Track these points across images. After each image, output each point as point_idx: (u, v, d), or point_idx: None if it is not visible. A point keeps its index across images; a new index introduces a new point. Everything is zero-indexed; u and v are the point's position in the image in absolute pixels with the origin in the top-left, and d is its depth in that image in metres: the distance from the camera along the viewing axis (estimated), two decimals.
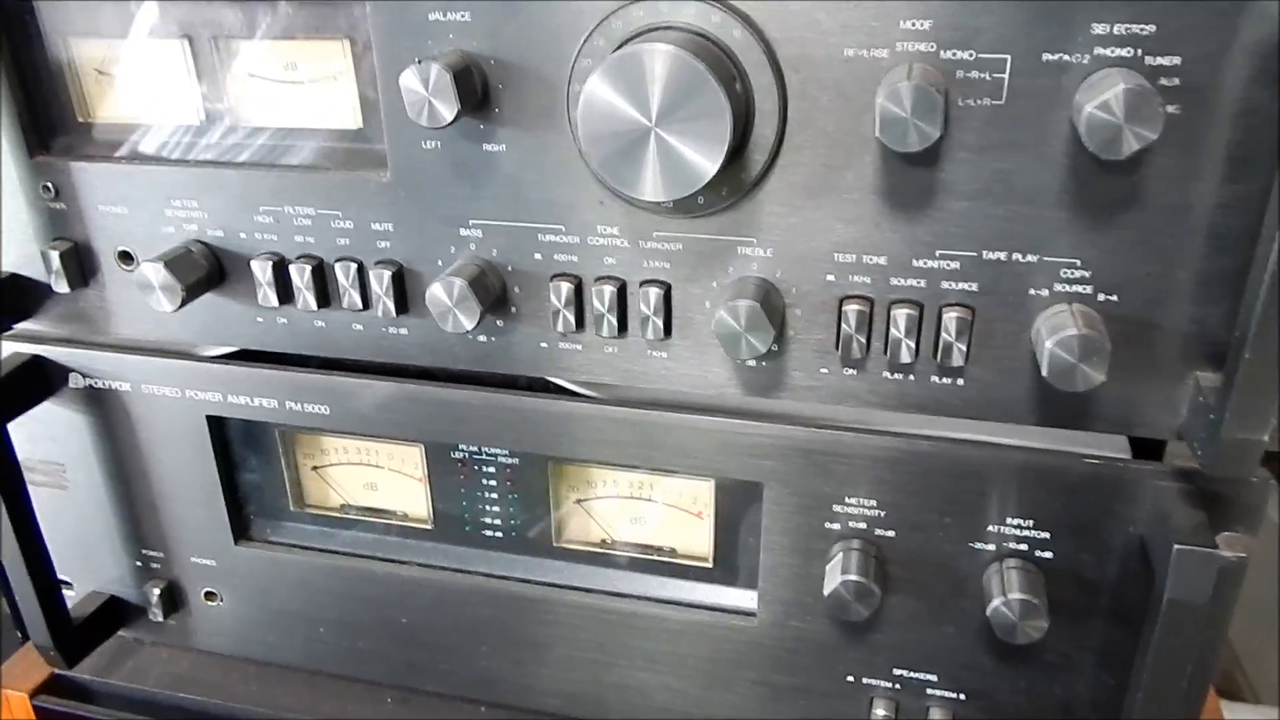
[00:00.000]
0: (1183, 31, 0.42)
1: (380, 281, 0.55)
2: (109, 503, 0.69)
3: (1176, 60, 0.42)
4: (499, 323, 0.56)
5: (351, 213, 0.55)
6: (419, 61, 0.47)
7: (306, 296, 0.56)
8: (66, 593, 0.72)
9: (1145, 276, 0.46)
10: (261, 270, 0.57)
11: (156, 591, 0.71)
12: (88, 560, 0.72)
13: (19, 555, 0.65)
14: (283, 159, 0.56)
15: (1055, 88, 0.44)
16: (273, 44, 0.54)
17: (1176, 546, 0.44)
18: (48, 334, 0.65)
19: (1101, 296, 0.47)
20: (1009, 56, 0.44)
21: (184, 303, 0.56)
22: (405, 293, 0.56)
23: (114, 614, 0.74)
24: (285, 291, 0.57)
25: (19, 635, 0.83)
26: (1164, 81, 0.42)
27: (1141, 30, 0.42)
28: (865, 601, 0.53)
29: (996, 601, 0.51)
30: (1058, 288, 0.47)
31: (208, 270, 0.57)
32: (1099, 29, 0.42)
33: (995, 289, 0.48)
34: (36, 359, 0.65)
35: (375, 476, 0.67)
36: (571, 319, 0.53)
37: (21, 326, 0.64)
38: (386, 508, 0.68)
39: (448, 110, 0.47)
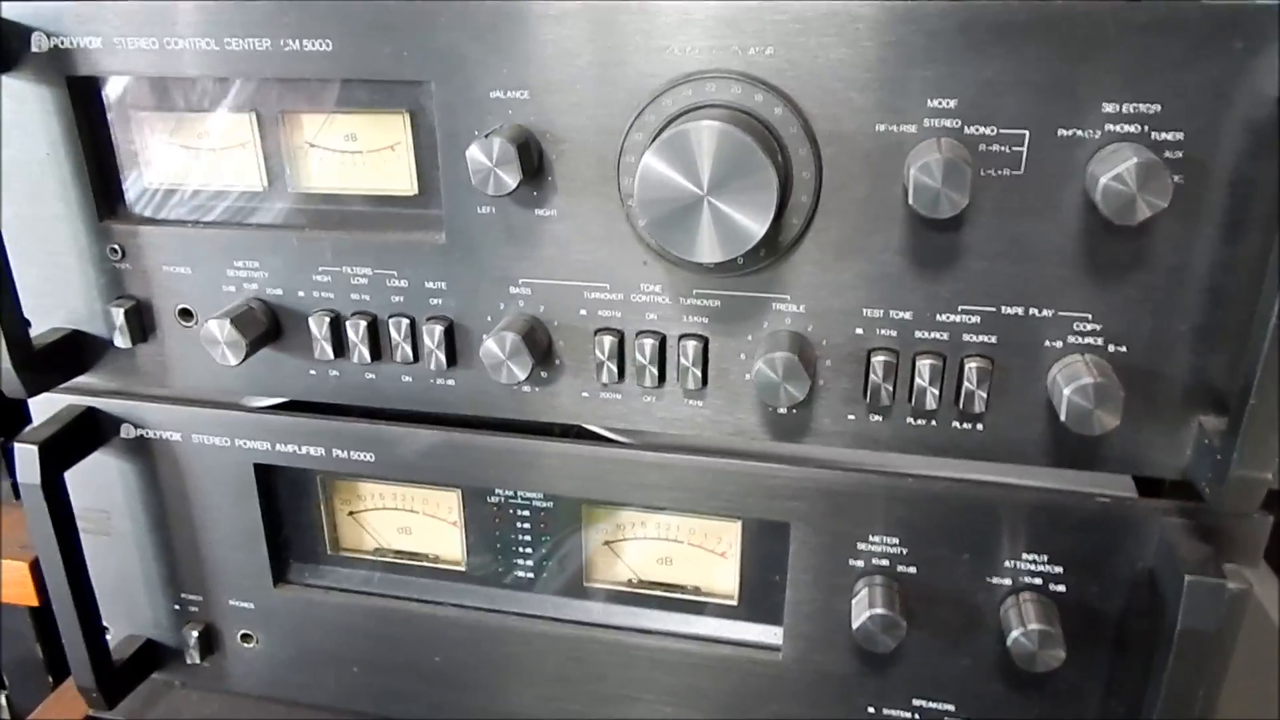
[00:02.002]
0: (1185, 110, 0.46)
1: (432, 336, 0.59)
2: (151, 548, 0.72)
3: (1180, 135, 0.47)
4: (543, 374, 0.59)
5: (407, 272, 0.58)
6: (485, 136, 0.51)
7: (361, 350, 0.60)
8: None
9: (1151, 329, 0.51)
10: (318, 326, 0.60)
11: (195, 634, 0.73)
12: (126, 604, 0.74)
13: (70, 601, 0.67)
14: (341, 223, 0.60)
15: (1070, 160, 0.48)
16: (335, 117, 0.58)
17: (1188, 578, 0.48)
18: (98, 386, 0.68)
19: (1111, 348, 0.51)
20: (1027, 131, 0.48)
21: (247, 357, 0.59)
22: (455, 346, 0.60)
23: (150, 657, 0.76)
24: (339, 345, 0.61)
25: (49, 680, 0.85)
26: (1169, 154, 0.47)
27: (1148, 109, 0.47)
28: (892, 633, 0.57)
29: (1016, 633, 0.55)
30: (1071, 339, 0.51)
31: (267, 326, 0.61)
32: (1109, 108, 0.47)
33: (1013, 341, 0.52)
34: (90, 410, 0.67)
35: (409, 521, 0.70)
36: (615, 370, 0.57)
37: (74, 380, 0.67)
38: (419, 550, 0.71)
39: (511, 179, 0.51)
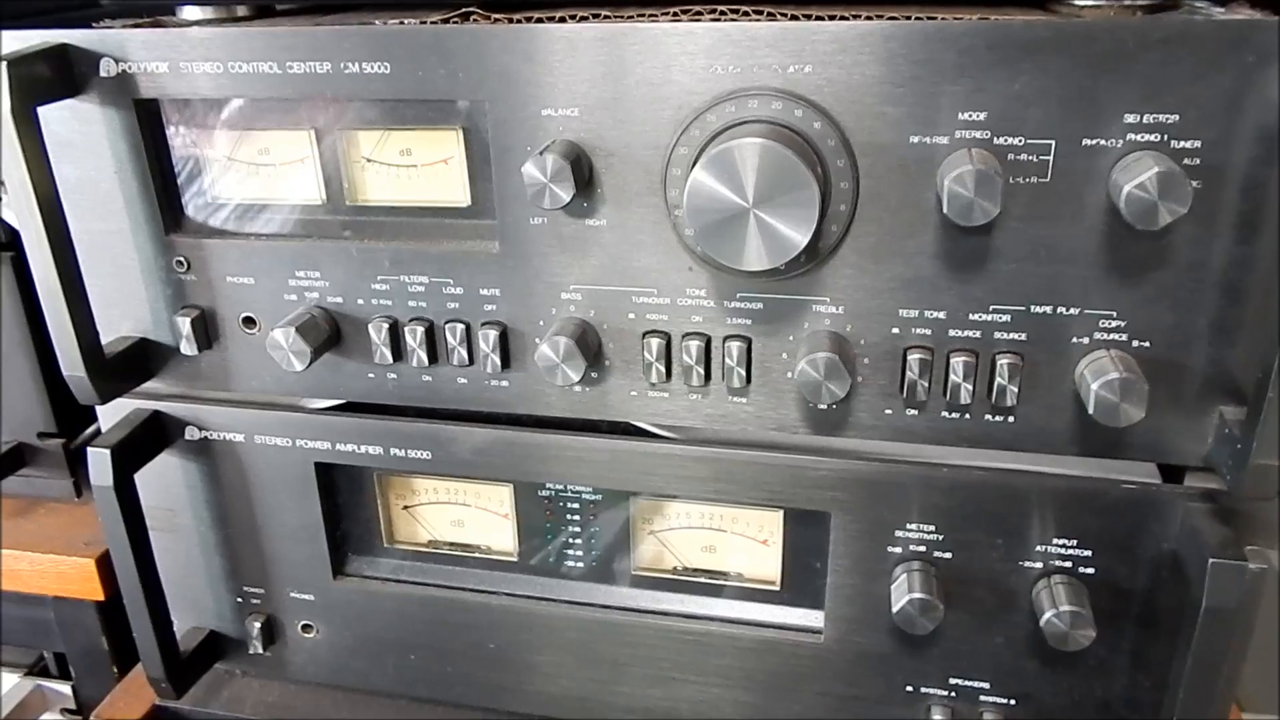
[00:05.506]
0: (1202, 119, 0.49)
1: (487, 340, 0.62)
2: (215, 544, 0.75)
3: (1197, 144, 0.50)
4: (593, 374, 0.62)
5: (462, 280, 0.62)
6: (539, 153, 0.54)
7: (420, 355, 0.63)
8: None
9: (1173, 325, 0.53)
10: (377, 332, 0.63)
11: (257, 625, 0.77)
12: (191, 598, 0.78)
13: (141, 596, 0.71)
14: (397, 234, 0.63)
15: (1093, 168, 0.51)
16: (391, 133, 0.61)
17: (1212, 560, 0.51)
18: (162, 391, 0.71)
19: (1135, 343, 0.54)
20: (1053, 141, 0.51)
21: (311, 363, 0.62)
22: (509, 349, 0.63)
23: (214, 647, 0.79)
24: (397, 350, 0.64)
25: (114, 671, 0.89)
26: (1187, 162, 0.50)
27: (1167, 119, 0.49)
28: (930, 616, 0.60)
29: (1049, 614, 0.58)
30: (1097, 336, 0.54)
31: (329, 333, 0.64)
32: (1131, 118, 0.50)
33: (1042, 338, 0.55)
34: (156, 414, 0.71)
35: (462, 514, 0.74)
36: (663, 370, 0.60)
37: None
38: (472, 542, 0.74)
39: (565, 194, 0.54)
